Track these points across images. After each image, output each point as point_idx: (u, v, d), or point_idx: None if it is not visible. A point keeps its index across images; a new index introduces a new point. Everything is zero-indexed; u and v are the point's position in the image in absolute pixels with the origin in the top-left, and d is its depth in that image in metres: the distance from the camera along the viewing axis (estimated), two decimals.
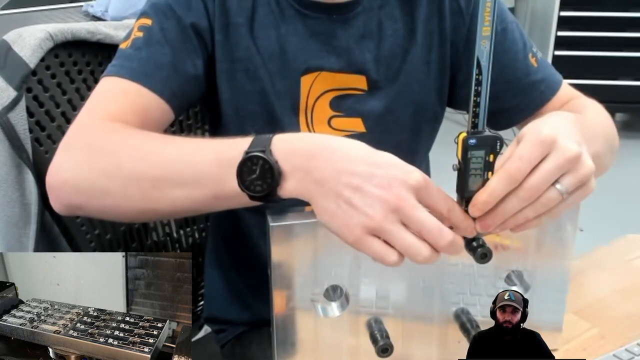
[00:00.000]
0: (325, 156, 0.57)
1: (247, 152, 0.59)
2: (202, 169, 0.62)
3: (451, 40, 0.87)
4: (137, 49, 0.78)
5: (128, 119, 0.72)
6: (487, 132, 0.56)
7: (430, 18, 0.85)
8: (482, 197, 0.55)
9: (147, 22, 0.79)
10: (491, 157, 0.55)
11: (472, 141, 0.55)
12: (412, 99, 0.87)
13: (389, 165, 0.55)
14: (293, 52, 0.82)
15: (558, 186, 0.55)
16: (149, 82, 0.76)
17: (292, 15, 0.82)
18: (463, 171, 0.56)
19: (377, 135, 0.86)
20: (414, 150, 0.91)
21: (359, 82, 0.85)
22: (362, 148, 0.57)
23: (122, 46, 0.79)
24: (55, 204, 0.69)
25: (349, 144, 0.58)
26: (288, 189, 0.58)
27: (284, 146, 0.59)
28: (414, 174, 0.55)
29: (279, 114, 0.83)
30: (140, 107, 0.75)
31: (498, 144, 0.55)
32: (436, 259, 0.55)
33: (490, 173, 0.55)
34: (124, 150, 0.66)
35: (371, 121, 0.86)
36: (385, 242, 0.54)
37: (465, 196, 0.56)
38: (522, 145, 0.55)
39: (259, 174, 0.58)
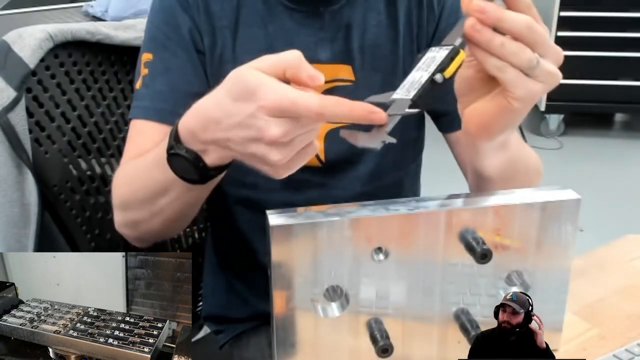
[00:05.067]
0: (204, 127, 0.60)
1: (167, 154, 0.65)
2: (160, 178, 0.70)
3: (426, 33, 0.88)
4: (145, 86, 0.84)
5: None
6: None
7: (411, 10, 0.87)
8: None
9: (149, 57, 0.85)
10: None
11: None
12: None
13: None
14: (281, 49, 0.84)
15: (536, 54, 0.56)
16: (158, 116, 0.82)
17: (281, 11, 0.84)
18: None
19: (368, 126, 0.87)
20: (405, 140, 0.92)
21: (346, 72, 0.86)
22: (212, 103, 0.60)
23: (137, 86, 0.85)
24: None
25: (207, 103, 0.61)
26: (214, 161, 0.63)
27: (184, 130, 0.64)
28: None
29: None
30: (158, 141, 0.82)
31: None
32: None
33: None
34: (127, 193, 0.79)
35: None
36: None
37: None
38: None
39: (183, 167, 0.65)
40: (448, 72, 0.56)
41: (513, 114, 0.60)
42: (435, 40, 0.88)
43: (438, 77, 0.56)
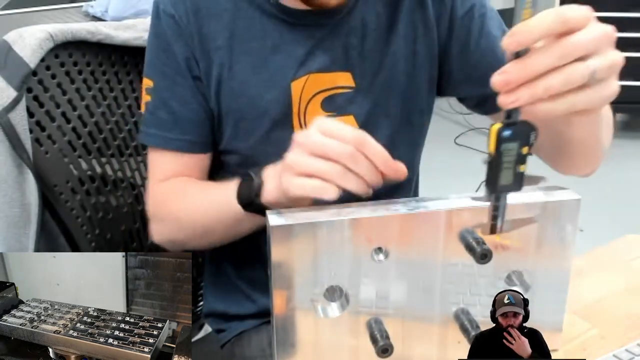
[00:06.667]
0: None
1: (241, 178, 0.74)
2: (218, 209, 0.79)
3: (437, 30, 0.88)
4: (150, 113, 0.87)
5: (173, 176, 0.88)
6: (521, 122, 0.53)
7: (413, 9, 0.86)
8: (519, 28, 0.51)
9: (150, 83, 0.87)
10: (524, 150, 0.52)
11: (507, 132, 0.52)
12: (399, 91, 0.88)
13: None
14: (280, 61, 0.84)
15: (587, 62, 0.52)
16: (167, 145, 0.87)
17: (279, 24, 0.83)
18: (495, 165, 0.53)
19: (370, 130, 0.87)
20: (407, 143, 0.92)
21: (345, 79, 0.86)
22: None
23: (142, 110, 0.89)
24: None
25: None
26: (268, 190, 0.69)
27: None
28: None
29: (273, 123, 0.85)
30: (178, 164, 0.88)
31: (532, 135, 0.52)
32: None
33: (522, 166, 0.53)
34: (180, 215, 0.86)
35: (363, 117, 0.87)
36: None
37: (497, 190, 0.54)
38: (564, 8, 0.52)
39: (246, 186, 0.72)
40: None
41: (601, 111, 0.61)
42: (453, 28, 0.87)
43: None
